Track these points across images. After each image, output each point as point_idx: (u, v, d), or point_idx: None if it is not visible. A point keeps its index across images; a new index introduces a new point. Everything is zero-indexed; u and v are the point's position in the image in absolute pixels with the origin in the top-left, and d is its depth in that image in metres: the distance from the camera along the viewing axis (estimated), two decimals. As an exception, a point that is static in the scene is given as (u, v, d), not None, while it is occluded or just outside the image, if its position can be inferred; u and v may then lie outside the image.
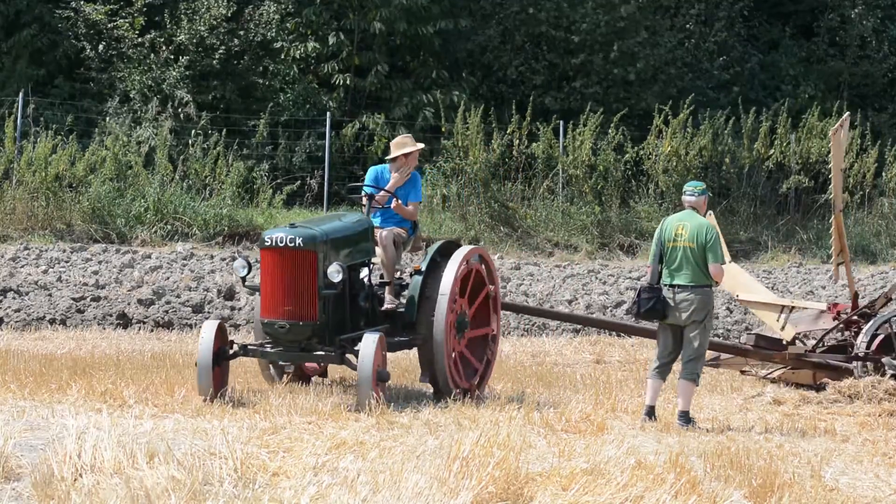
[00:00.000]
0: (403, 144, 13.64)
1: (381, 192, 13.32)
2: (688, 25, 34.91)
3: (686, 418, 12.39)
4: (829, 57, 35.50)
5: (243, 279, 12.29)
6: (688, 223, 12.60)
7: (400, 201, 13.27)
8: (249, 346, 12.33)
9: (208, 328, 12.10)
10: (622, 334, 19.70)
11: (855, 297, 15.78)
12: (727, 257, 13.53)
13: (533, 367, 17.12)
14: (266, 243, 11.93)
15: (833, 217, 15.53)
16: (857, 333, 15.32)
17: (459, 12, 32.73)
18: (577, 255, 28.74)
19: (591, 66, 33.22)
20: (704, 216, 12.94)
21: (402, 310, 12.76)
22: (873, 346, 15.03)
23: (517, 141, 29.92)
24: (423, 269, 12.65)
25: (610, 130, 30.24)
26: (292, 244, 11.84)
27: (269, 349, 12.24)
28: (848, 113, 16.90)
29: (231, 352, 12.23)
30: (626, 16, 33.39)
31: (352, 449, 9.87)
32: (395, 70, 32.45)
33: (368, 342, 11.68)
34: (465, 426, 10.88)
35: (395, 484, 8.44)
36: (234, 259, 12.27)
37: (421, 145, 13.89)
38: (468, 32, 33.08)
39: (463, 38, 33.14)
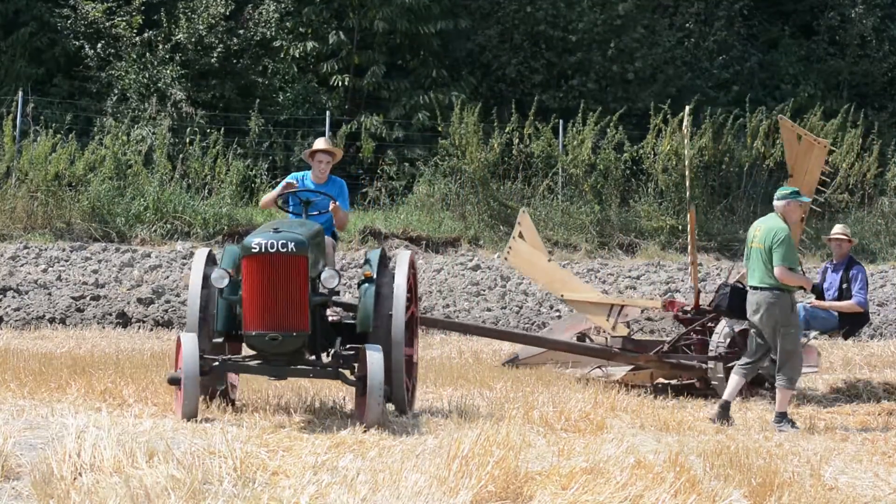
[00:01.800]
0: (319, 142, 12.93)
1: (317, 196, 12.45)
2: (688, 24, 34.92)
3: (780, 418, 12.58)
4: (829, 56, 35.50)
5: (221, 291, 11.21)
6: (763, 225, 12.79)
7: (338, 203, 12.51)
8: (230, 361, 11.33)
9: (190, 342, 11.00)
10: None
11: (697, 295, 15.28)
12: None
13: (533, 365, 17.11)
14: (253, 250, 10.86)
15: (688, 213, 15.10)
16: (697, 332, 14.83)
17: (460, 12, 32.72)
18: (576, 254, 28.75)
19: (590, 65, 33.23)
20: (794, 221, 13.02)
21: (350, 321, 11.84)
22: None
23: (516, 140, 29.94)
24: (374, 276, 11.64)
25: (609, 129, 30.24)
26: (284, 249, 10.86)
27: (253, 363, 11.27)
28: (688, 107, 16.48)
29: (208, 367, 11.17)
30: (623, 14, 33.39)
31: (351, 448, 9.88)
32: (394, 69, 32.45)
33: (376, 356, 10.93)
34: (464, 425, 10.88)
35: (395, 483, 8.44)
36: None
37: (339, 152, 13.01)
38: (467, 32, 33.08)
39: (462, 38, 33.14)
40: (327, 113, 30.49)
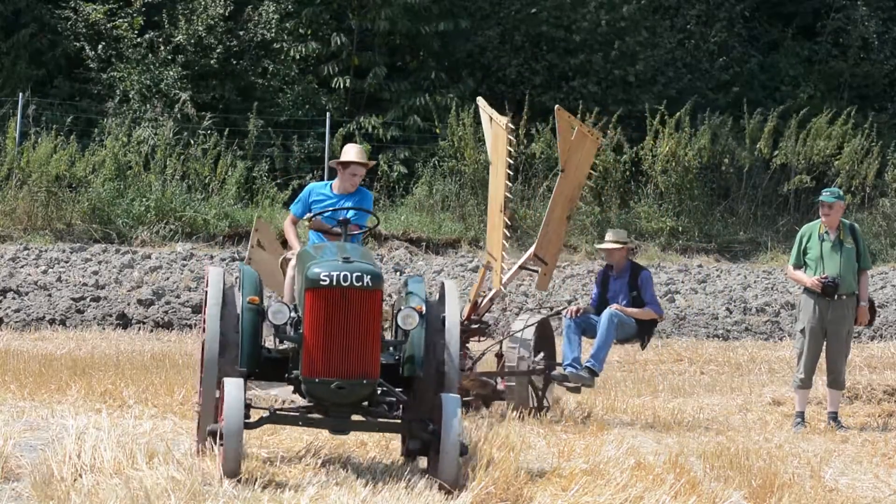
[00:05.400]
0: (352, 152, 11.74)
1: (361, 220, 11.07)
2: (688, 26, 34.89)
3: (830, 417, 13.01)
4: (831, 58, 35.47)
5: (278, 328, 9.30)
6: None
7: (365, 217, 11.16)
8: (280, 411, 9.41)
9: (235, 391, 8.92)
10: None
11: (473, 305, 13.96)
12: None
13: (533, 367, 17.06)
14: (323, 282, 9.01)
15: (502, 214, 14.15)
16: (463, 342, 13.29)
17: (460, 12, 32.69)
18: (576, 255, 28.74)
19: (591, 66, 33.19)
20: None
21: (390, 361, 9.63)
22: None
23: (515, 141, 29.90)
24: (424, 310, 9.52)
25: (609, 131, 30.22)
26: (359, 283, 9.03)
27: (310, 415, 9.34)
28: (480, 98, 15.87)
29: (255, 419, 9.23)
30: (627, 16, 33.35)
31: (352, 449, 9.88)
32: (394, 71, 32.43)
33: (453, 405, 9.11)
34: (464, 426, 10.87)
35: (395, 484, 8.45)
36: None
37: (372, 162, 11.93)
38: (468, 33, 33.05)
39: (462, 39, 33.11)
40: (327, 114, 30.48)
